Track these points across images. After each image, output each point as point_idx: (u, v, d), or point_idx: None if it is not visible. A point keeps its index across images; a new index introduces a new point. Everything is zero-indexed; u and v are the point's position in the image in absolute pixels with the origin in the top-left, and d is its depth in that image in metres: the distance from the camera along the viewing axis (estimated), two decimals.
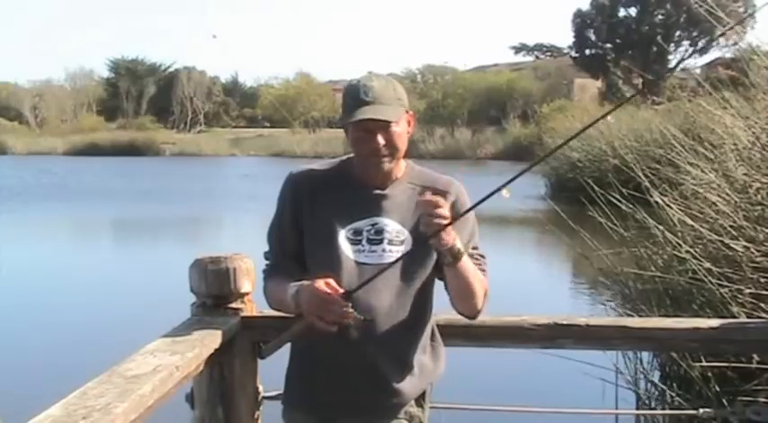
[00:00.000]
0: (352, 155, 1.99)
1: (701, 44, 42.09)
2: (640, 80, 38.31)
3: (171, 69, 64.85)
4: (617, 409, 4.04)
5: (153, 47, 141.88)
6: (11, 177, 26.87)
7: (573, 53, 46.15)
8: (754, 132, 4.76)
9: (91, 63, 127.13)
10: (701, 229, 4.42)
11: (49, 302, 8.53)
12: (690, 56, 42.72)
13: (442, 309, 2.03)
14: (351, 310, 1.78)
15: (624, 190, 5.07)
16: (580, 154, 16.14)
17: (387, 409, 1.95)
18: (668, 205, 4.69)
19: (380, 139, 1.88)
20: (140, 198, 20.93)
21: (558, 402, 2.65)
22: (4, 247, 12.01)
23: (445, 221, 1.74)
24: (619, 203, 5.10)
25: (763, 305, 3.66)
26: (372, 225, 1.93)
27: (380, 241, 1.91)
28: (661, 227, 4.68)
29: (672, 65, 42.56)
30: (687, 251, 4.25)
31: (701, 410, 2.32)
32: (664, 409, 4.18)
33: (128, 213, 18.23)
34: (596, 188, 5.18)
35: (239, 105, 66.89)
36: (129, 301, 8.27)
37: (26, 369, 6.00)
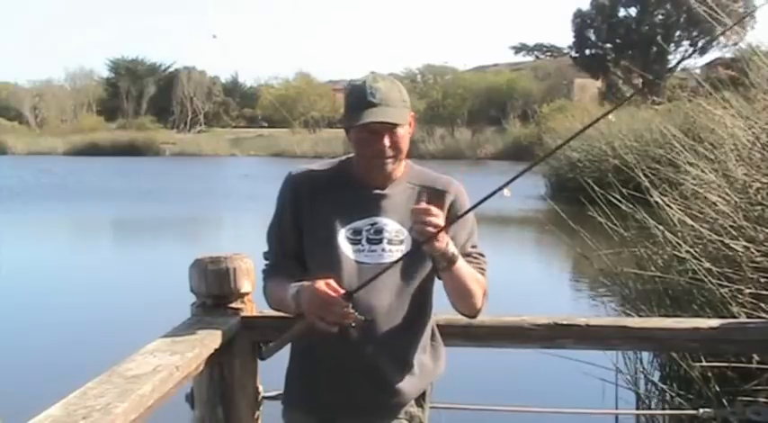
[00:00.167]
0: (351, 155, 1.99)
1: (701, 44, 42.08)
2: (640, 80, 38.33)
3: (171, 69, 64.86)
4: (617, 409, 4.05)
5: (153, 47, 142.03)
6: (11, 177, 26.87)
7: (573, 53, 46.16)
8: (754, 132, 4.76)
9: (91, 63, 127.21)
10: (701, 229, 4.42)
11: (49, 302, 8.53)
12: (690, 56, 42.79)
13: (442, 309, 2.03)
14: (351, 310, 1.78)
15: (624, 190, 5.06)
16: (580, 154, 16.15)
17: (387, 408, 1.95)
18: (668, 205, 4.69)
19: (386, 141, 1.88)
20: (140, 198, 20.94)
21: (558, 402, 2.65)
22: (4, 247, 12.02)
23: (435, 229, 1.74)
24: (619, 203, 5.10)
25: (763, 305, 3.66)
26: (372, 225, 1.93)
27: (380, 241, 1.91)
28: (661, 227, 4.67)
29: (672, 65, 42.56)
30: (687, 251, 4.25)
31: (701, 410, 2.32)
32: (664, 409, 4.18)
33: (128, 213, 18.23)
34: (596, 188, 5.18)
35: (239, 105, 66.88)
36: (129, 301, 8.27)
37: (26, 369, 6.00)
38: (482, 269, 1.96)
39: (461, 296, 1.91)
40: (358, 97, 1.88)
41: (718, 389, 3.69)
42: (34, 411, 1.41)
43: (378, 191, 1.95)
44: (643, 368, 4.40)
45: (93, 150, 44.87)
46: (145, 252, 13.15)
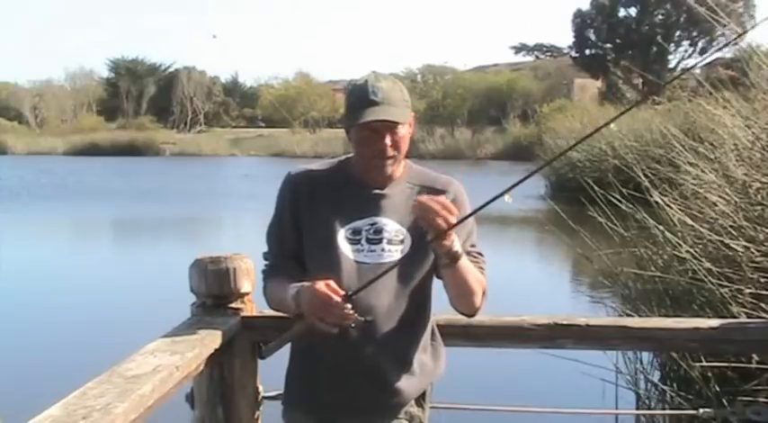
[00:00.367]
0: (350, 155, 1.99)
1: (701, 44, 42.11)
2: (640, 80, 38.33)
3: (171, 69, 64.88)
4: (617, 409, 4.05)
5: (153, 47, 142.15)
6: (11, 177, 26.88)
7: (573, 53, 46.19)
8: (754, 132, 4.76)
9: (91, 63, 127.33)
10: (701, 229, 4.42)
11: (49, 302, 8.53)
12: (690, 56, 42.74)
13: (442, 309, 2.03)
14: (351, 311, 1.78)
15: (624, 190, 5.06)
16: (580, 154, 16.14)
17: (387, 408, 1.95)
18: (668, 205, 4.69)
19: (387, 141, 1.87)
20: (140, 198, 20.94)
21: (558, 402, 2.66)
22: (3, 247, 12.02)
23: (447, 225, 1.73)
24: (619, 203, 5.10)
25: (763, 305, 3.66)
26: (371, 225, 1.93)
27: (379, 241, 1.91)
28: (661, 227, 4.67)
29: (672, 65, 42.56)
30: (687, 251, 4.25)
31: (701, 410, 2.32)
32: (664, 409, 4.18)
33: (128, 213, 18.23)
34: (596, 188, 5.18)
35: (239, 105, 66.91)
36: (129, 301, 8.27)
37: (26, 369, 6.00)
38: (481, 268, 1.95)
39: (462, 294, 1.90)
40: (360, 96, 1.88)
41: (718, 389, 3.69)
42: (34, 411, 1.41)
43: (377, 191, 1.95)
44: (643, 368, 4.40)
45: (93, 150, 44.89)
46: (145, 252, 13.14)
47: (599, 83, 44.32)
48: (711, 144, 5.13)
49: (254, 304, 2.19)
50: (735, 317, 3.51)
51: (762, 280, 3.83)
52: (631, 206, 4.98)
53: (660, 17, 43.85)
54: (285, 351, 1.96)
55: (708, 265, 4.04)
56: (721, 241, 4.16)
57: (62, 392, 1.51)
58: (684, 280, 4.36)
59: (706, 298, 4.16)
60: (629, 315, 4.52)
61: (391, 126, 1.87)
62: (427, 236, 1.77)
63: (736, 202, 4.39)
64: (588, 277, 8.70)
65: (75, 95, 62.02)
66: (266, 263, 2.03)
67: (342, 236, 1.92)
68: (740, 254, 3.99)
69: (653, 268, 4.68)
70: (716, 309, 3.93)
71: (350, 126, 1.90)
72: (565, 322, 2.15)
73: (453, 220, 1.73)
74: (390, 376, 1.92)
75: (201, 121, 60.64)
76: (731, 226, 4.22)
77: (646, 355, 4.44)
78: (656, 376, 4.47)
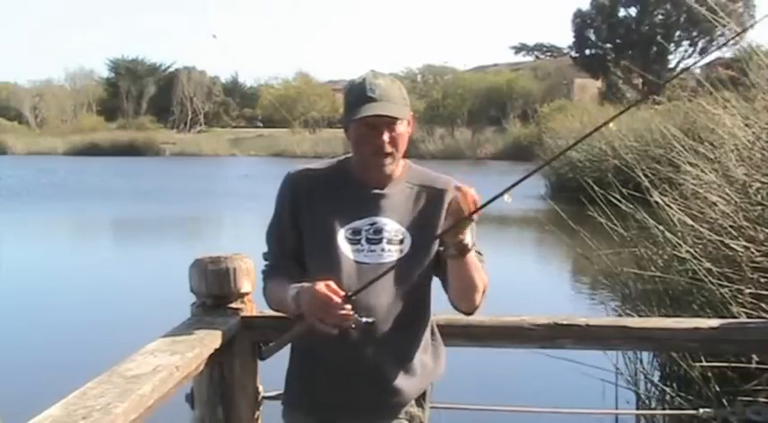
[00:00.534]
0: (350, 154, 1.99)
1: (701, 44, 42.12)
2: (640, 80, 38.33)
3: (171, 69, 64.90)
4: (617, 409, 4.05)
5: (153, 47, 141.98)
6: (11, 177, 26.89)
7: (573, 53, 46.19)
8: (754, 132, 4.76)
9: (91, 63, 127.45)
10: (701, 229, 4.42)
11: (49, 302, 8.53)
12: (690, 56, 42.74)
13: (442, 309, 2.03)
14: (351, 312, 1.78)
15: (624, 190, 5.07)
16: (580, 154, 16.14)
17: (387, 408, 1.95)
18: (668, 205, 4.69)
19: (385, 137, 1.87)
20: (140, 198, 20.94)
21: (558, 402, 2.66)
22: (3, 247, 12.02)
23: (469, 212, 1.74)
24: (619, 203, 5.10)
25: (763, 305, 3.66)
26: (371, 224, 1.93)
27: (379, 241, 1.91)
28: (661, 227, 4.68)
29: (672, 65, 42.57)
30: (687, 251, 4.25)
31: (701, 410, 2.32)
32: (664, 409, 4.18)
33: (128, 213, 18.23)
34: (596, 188, 5.18)
35: (239, 105, 66.91)
36: (129, 301, 8.27)
37: (26, 369, 6.00)
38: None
39: (465, 289, 1.89)
40: (357, 94, 1.88)
41: (718, 389, 3.70)
42: (34, 411, 1.41)
43: (377, 190, 1.95)
44: (643, 368, 4.40)
45: (93, 150, 44.90)
46: (145, 252, 13.14)
47: (599, 83, 44.32)
48: (711, 144, 5.13)
49: (254, 304, 2.19)
50: (735, 317, 3.51)
51: (762, 280, 3.83)
52: (631, 206, 4.98)
53: (660, 17, 43.85)
54: (285, 351, 1.96)
55: (708, 265, 4.04)
56: (721, 241, 4.16)
57: (62, 392, 1.51)
58: (684, 280, 4.37)
59: (706, 298, 4.16)
60: (629, 315, 4.52)
61: (389, 122, 1.86)
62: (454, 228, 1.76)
63: (736, 202, 4.39)
64: (588, 277, 8.71)
65: (75, 95, 62.04)
66: (266, 263, 2.03)
67: (341, 236, 1.92)
68: (740, 254, 3.99)
69: (653, 268, 4.68)
70: (716, 309, 3.93)
71: (348, 122, 1.90)
72: (565, 322, 2.15)
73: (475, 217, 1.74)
74: (391, 376, 1.91)
75: (201, 121, 60.65)
76: (731, 226, 4.23)
77: (646, 355, 4.44)
78: (656, 376, 4.47)
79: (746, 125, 4.89)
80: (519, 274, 9.81)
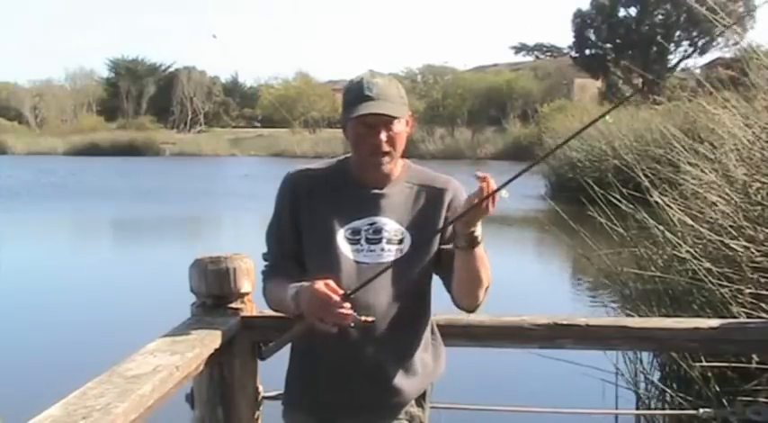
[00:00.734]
0: (350, 154, 1.99)
1: (701, 44, 42.14)
2: (640, 80, 38.33)
3: (171, 69, 64.88)
4: (617, 409, 4.05)
5: (153, 47, 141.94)
6: (11, 177, 26.89)
7: (573, 53, 46.20)
8: (754, 132, 4.76)
9: (91, 63, 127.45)
10: (701, 229, 4.42)
11: (49, 302, 8.53)
12: (690, 56, 42.79)
13: (442, 309, 2.03)
14: (350, 311, 1.78)
15: (624, 190, 5.07)
16: (580, 154, 16.15)
17: (387, 408, 1.95)
18: (668, 205, 4.69)
19: (382, 136, 1.86)
20: (140, 198, 20.94)
21: (558, 402, 2.66)
22: (3, 247, 12.03)
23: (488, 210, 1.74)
24: (619, 203, 5.10)
25: (763, 305, 3.66)
26: (371, 224, 1.93)
27: (379, 241, 1.91)
28: (661, 227, 4.68)
29: (672, 65, 42.57)
30: (687, 251, 4.25)
31: (701, 410, 2.32)
32: (664, 409, 4.18)
33: (128, 213, 18.24)
34: (596, 188, 5.18)
35: (239, 105, 66.92)
36: (129, 301, 8.27)
37: (26, 369, 6.00)
38: None
39: (470, 283, 1.87)
40: (355, 93, 1.88)
41: (718, 389, 3.70)
42: (34, 411, 1.41)
43: (376, 190, 1.95)
44: (643, 368, 4.40)
45: (93, 150, 44.90)
46: (145, 252, 13.15)
47: (599, 83, 44.33)
48: (711, 144, 5.13)
49: (254, 304, 2.19)
50: (735, 317, 3.51)
51: (762, 280, 3.83)
52: (631, 206, 4.98)
53: (660, 17, 43.86)
54: (285, 351, 1.96)
55: (708, 265, 4.04)
56: (721, 241, 4.16)
57: (62, 392, 1.50)
58: (684, 280, 4.37)
59: (706, 298, 4.16)
60: (629, 315, 4.52)
61: (386, 121, 1.86)
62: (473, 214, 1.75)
63: (736, 202, 4.39)
64: (588, 277, 8.71)
65: (75, 95, 62.04)
66: (266, 263, 2.03)
67: (341, 236, 1.92)
68: (740, 254, 3.99)
69: (653, 268, 4.68)
70: (716, 309, 3.93)
71: (345, 121, 1.90)
72: (565, 322, 2.15)
73: (492, 208, 1.73)
74: (391, 375, 1.91)
75: (201, 121, 60.65)
76: (731, 226, 4.23)
77: (646, 355, 4.44)
78: (656, 376, 4.47)
79: (746, 125, 4.89)
80: (519, 274, 9.80)
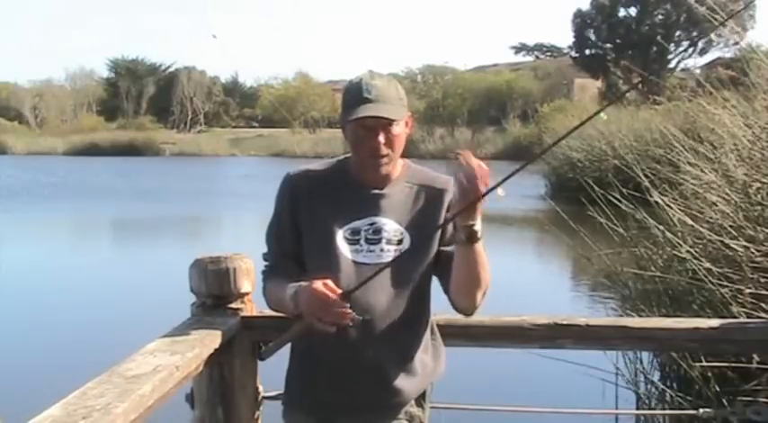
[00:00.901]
0: (349, 155, 1.99)
1: (701, 44, 42.12)
2: (640, 80, 38.29)
3: (171, 69, 64.93)
4: (617, 409, 4.05)
5: (153, 47, 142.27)
6: (11, 177, 26.89)
7: (573, 53, 46.20)
8: (754, 132, 4.76)
9: (91, 63, 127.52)
10: (701, 229, 4.42)
11: (49, 302, 8.53)
12: (690, 56, 42.78)
13: (442, 309, 2.03)
14: (349, 310, 1.77)
15: (624, 190, 5.07)
16: (580, 154, 16.16)
17: (387, 408, 1.95)
18: (668, 205, 4.69)
19: (381, 138, 1.86)
20: (140, 198, 20.94)
21: (558, 402, 2.65)
22: (3, 247, 12.03)
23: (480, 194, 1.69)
24: (619, 203, 5.10)
25: (763, 305, 3.66)
26: (370, 225, 1.92)
27: (378, 241, 1.91)
28: (661, 227, 4.68)
29: (672, 65, 42.57)
30: (687, 251, 4.25)
31: (701, 410, 2.32)
32: (664, 409, 4.18)
33: (128, 213, 18.24)
34: (596, 188, 5.18)
35: (239, 105, 66.93)
36: (129, 301, 8.27)
37: (26, 369, 6.00)
38: None
39: (468, 282, 1.85)
40: (354, 94, 1.87)
41: (718, 389, 3.69)
42: (34, 411, 1.41)
43: (376, 191, 1.95)
44: (643, 368, 4.40)
45: (93, 150, 44.93)
46: (145, 252, 13.15)
47: (599, 83, 44.32)
48: (711, 144, 5.13)
49: (254, 304, 2.19)
50: (735, 317, 3.51)
51: (762, 280, 3.83)
52: (631, 206, 4.98)
53: (660, 17, 43.85)
54: (285, 351, 1.96)
55: (708, 265, 4.04)
56: (721, 241, 4.16)
57: (62, 392, 1.50)
58: (684, 280, 4.37)
59: (706, 298, 4.16)
60: (629, 315, 4.52)
61: (385, 123, 1.86)
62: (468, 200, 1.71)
63: (736, 202, 4.39)
64: (588, 277, 8.70)
65: (75, 95, 62.08)
66: (266, 263, 2.03)
67: (341, 236, 1.91)
68: (740, 254, 3.99)
69: (653, 268, 4.68)
70: (716, 309, 3.93)
71: (344, 123, 1.89)
72: (565, 322, 2.15)
73: (482, 189, 1.69)
74: (391, 375, 1.91)
75: (201, 121, 60.67)
76: (731, 226, 4.23)
77: (646, 355, 4.44)
78: (656, 376, 4.47)
79: (746, 125, 4.89)
80: (519, 274, 9.80)
